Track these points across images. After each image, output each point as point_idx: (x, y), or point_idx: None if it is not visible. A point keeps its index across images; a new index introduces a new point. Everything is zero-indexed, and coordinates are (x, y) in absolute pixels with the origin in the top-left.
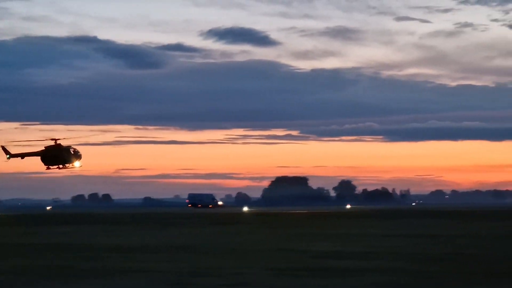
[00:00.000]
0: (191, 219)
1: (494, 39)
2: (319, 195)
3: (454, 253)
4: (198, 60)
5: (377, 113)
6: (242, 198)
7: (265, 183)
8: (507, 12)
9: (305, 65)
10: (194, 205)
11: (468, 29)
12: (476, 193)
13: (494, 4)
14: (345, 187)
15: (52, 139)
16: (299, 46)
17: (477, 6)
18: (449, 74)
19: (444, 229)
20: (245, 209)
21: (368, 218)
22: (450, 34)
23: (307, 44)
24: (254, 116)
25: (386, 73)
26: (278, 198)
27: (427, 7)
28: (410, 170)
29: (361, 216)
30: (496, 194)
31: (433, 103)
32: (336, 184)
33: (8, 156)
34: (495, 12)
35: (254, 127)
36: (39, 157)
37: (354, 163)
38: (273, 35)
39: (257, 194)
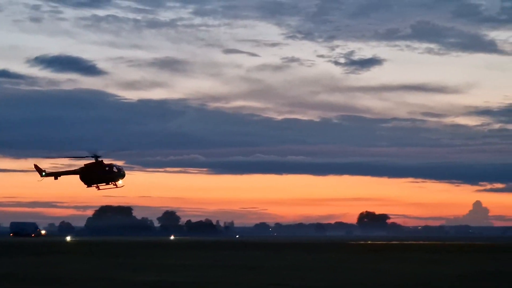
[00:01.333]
0: (12, 248)
1: (319, 74)
2: (143, 225)
3: (276, 283)
4: (24, 87)
5: (202, 145)
6: (65, 227)
7: (89, 212)
8: (333, 49)
9: (132, 95)
10: (17, 234)
11: (294, 64)
12: (299, 226)
13: (320, 40)
14: (169, 218)
15: (92, 156)
16: (127, 76)
17: (304, 42)
18: (275, 107)
19: (266, 260)
20: (68, 238)
21: (191, 249)
22: (277, 68)
23: (135, 74)
24: (80, 145)
25: (212, 105)
26: (102, 227)
27: (255, 41)
28: (235, 202)
29: (184, 247)
30: (319, 227)
31: (259, 136)
32: (160, 215)
33: (43, 174)
34: (322, 48)
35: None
36: (78, 176)
37: (178, 194)
38: (101, 65)
39: (81, 223)
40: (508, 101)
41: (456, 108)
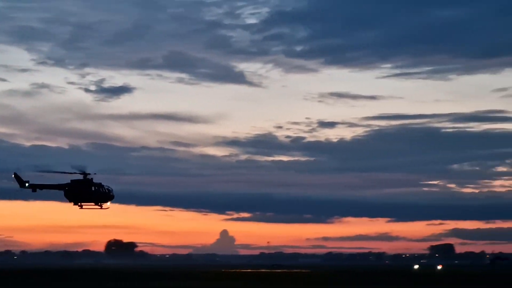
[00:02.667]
0: None
1: (70, 102)
2: None
3: None
4: None
5: None
6: None
7: None
8: (83, 76)
9: None
10: None
11: (45, 90)
12: (46, 254)
13: (71, 67)
14: None
15: (81, 173)
16: None
17: (55, 68)
18: (24, 134)
19: None
20: None
21: None
22: (26, 94)
23: None
24: None
25: None
26: None
27: (4, 66)
28: None
29: None
30: (66, 254)
31: (6, 163)
32: None
33: (26, 185)
34: (72, 75)
35: None
36: (62, 191)
37: None
38: None
39: None
40: (255, 132)
41: (206, 138)
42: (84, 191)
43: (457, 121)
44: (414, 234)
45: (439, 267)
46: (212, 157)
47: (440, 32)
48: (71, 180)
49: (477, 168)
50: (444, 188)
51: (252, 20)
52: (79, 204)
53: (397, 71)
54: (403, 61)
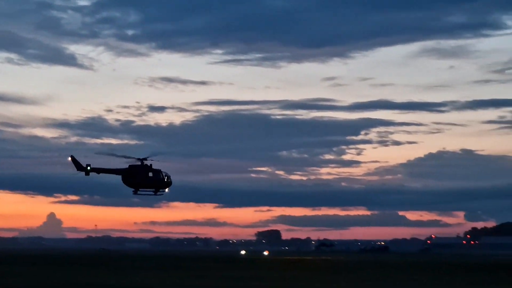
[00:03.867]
0: None
1: None
2: None
3: None
4: None
5: None
6: None
7: None
8: None
9: None
10: None
11: None
12: None
13: None
14: None
15: (138, 159)
16: None
17: None
18: None
19: None
20: None
21: None
22: None
23: None
24: None
25: None
26: None
27: None
28: None
29: None
30: None
31: None
32: None
33: (88, 168)
34: None
35: None
36: (120, 176)
37: None
38: None
39: None
40: (85, 115)
41: (34, 119)
42: (141, 176)
43: (286, 109)
44: (242, 220)
45: (266, 253)
46: (41, 138)
47: (271, 20)
48: (129, 165)
49: (305, 156)
50: (272, 175)
51: (84, 2)
52: (135, 190)
53: (228, 57)
54: (233, 48)
